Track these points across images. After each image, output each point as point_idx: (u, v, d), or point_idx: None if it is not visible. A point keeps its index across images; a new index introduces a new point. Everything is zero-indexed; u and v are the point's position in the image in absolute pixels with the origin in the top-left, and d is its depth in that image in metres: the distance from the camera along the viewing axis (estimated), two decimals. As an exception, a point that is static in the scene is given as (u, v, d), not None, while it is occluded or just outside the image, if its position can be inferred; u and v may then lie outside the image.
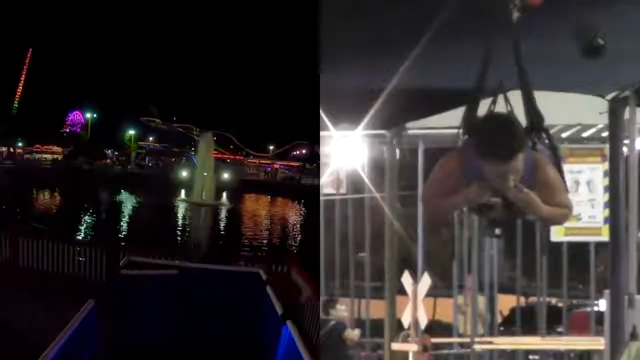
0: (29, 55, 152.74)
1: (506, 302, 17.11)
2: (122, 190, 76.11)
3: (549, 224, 8.24)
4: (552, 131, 12.34)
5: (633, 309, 9.83)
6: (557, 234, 15.05)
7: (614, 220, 9.75)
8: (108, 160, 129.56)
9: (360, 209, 17.26)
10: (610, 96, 9.61)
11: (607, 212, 12.86)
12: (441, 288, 17.04)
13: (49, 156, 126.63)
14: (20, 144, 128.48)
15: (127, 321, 9.14)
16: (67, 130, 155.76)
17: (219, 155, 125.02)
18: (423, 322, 12.92)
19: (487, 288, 16.15)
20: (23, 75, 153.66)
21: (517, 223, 13.66)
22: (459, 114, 11.35)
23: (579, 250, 15.45)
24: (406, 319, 13.07)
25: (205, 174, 76.03)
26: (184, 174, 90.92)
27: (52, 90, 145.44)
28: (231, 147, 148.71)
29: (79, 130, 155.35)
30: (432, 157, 14.85)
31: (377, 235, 15.05)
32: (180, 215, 59.00)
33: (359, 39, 7.18)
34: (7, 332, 11.93)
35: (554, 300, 17.02)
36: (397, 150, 13.71)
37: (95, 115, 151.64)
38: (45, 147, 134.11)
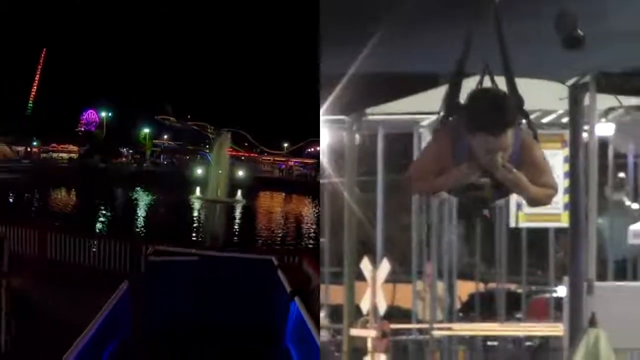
0: (43, 55, 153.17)
1: (465, 288, 16.98)
2: (138, 188, 77.52)
3: (535, 205, 7.60)
4: None
5: (592, 296, 9.90)
6: (516, 219, 14.97)
7: (574, 206, 9.80)
8: (123, 159, 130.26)
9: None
10: (570, 82, 9.75)
11: (567, 198, 12.77)
12: (400, 274, 16.57)
13: (65, 155, 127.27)
14: (34, 143, 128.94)
15: (154, 300, 10.24)
16: (82, 129, 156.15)
17: (234, 153, 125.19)
18: (382, 308, 12.91)
19: (446, 274, 15.96)
20: (37, 75, 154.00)
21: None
22: (418, 99, 11.79)
23: (538, 237, 15.33)
24: (365, 305, 13.05)
25: (220, 171, 76.86)
26: (199, 171, 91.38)
27: (66, 90, 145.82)
28: (246, 144, 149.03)
29: (93, 129, 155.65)
30: (392, 142, 15.20)
31: (337, 221, 14.85)
32: (195, 212, 60.13)
33: (331, 24, 7.33)
34: (43, 319, 12.44)
35: (513, 287, 16.95)
36: (357, 136, 13.78)
37: (109, 114, 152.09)
38: (61, 146, 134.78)
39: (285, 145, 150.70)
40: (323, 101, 10.82)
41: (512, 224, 14.95)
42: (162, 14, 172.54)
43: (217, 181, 74.33)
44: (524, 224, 14.95)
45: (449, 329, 15.46)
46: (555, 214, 14.41)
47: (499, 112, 5.41)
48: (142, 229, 44.17)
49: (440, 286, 15.89)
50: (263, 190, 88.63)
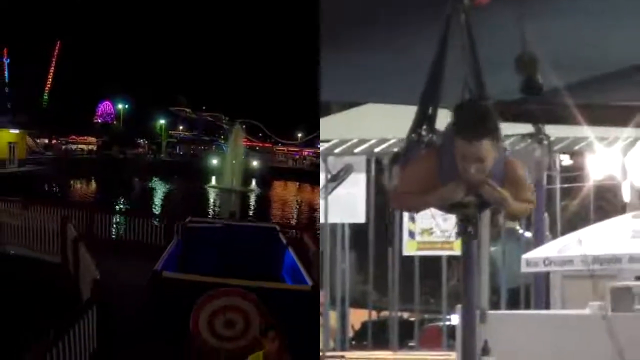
0: (57, 47, 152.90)
1: (358, 317, 16.75)
2: (156, 178, 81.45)
3: (515, 219, 8.33)
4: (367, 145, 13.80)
5: (485, 324, 10.09)
6: (409, 248, 14.99)
7: None
8: (140, 150, 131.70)
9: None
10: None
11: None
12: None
13: (84, 147, 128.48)
14: (52, 135, 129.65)
15: (191, 255, 14.00)
16: (99, 120, 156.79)
17: (248, 143, 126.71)
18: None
19: (338, 302, 15.87)
20: (52, 68, 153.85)
21: (369, 237, 14.70)
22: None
23: (431, 265, 15.29)
24: (256, 329, 13.24)
25: (234, 161, 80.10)
26: (214, 161, 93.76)
27: (82, 82, 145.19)
28: (260, 135, 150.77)
29: (110, 120, 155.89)
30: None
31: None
32: (211, 199, 63.73)
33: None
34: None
35: (406, 315, 16.74)
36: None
37: (125, 106, 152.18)
38: (80, 138, 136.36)
39: (299, 135, 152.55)
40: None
41: (405, 252, 15.11)
42: (178, 6, 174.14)
43: (232, 171, 77.24)
44: (417, 252, 15.09)
45: (342, 357, 15.45)
46: (448, 241, 14.63)
47: (476, 121, 5.63)
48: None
49: (333, 315, 15.95)
50: (277, 179, 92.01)
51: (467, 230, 6.23)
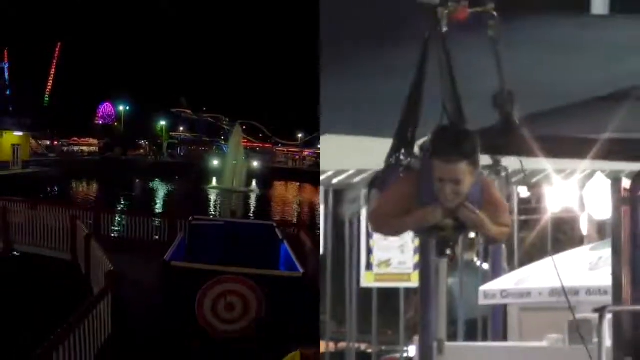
0: (58, 49, 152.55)
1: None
2: (159, 179, 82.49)
3: (493, 242, 8.05)
4: (363, 176, 14.13)
5: (442, 356, 10.31)
6: (367, 279, 14.92)
7: (424, 266, 9.93)
8: (141, 151, 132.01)
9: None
10: (421, 141, 10.00)
11: (417, 257, 13.10)
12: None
13: (86, 148, 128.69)
14: (54, 137, 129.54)
15: (196, 247, 15.38)
16: (100, 122, 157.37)
17: (249, 144, 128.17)
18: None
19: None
20: (53, 69, 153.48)
21: (327, 268, 14.64)
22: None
23: (389, 296, 15.23)
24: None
25: (235, 162, 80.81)
26: (215, 162, 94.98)
27: (83, 83, 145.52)
28: (260, 135, 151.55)
29: (110, 122, 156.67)
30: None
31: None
32: (212, 200, 64.90)
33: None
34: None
35: (363, 346, 16.67)
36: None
37: (126, 108, 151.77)
38: (82, 139, 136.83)
39: (300, 136, 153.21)
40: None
41: (363, 284, 15.08)
42: (178, 7, 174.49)
43: (233, 171, 78.22)
44: (374, 284, 15.06)
45: (299, 388, 15.86)
46: (405, 273, 14.76)
47: (453, 143, 5.69)
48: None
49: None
50: (277, 180, 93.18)
51: (445, 252, 6.15)
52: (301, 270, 13.39)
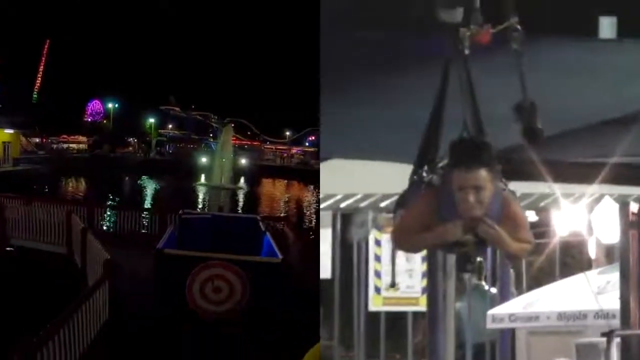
0: (46, 46, 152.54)
1: None
2: (148, 176, 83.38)
3: (514, 259, 8.31)
4: (370, 200, 13.82)
5: None
6: (375, 303, 14.79)
7: (432, 290, 9.72)
8: (130, 148, 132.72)
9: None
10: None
11: (424, 281, 12.85)
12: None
13: (75, 145, 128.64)
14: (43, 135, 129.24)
15: (186, 238, 16.73)
16: (89, 119, 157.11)
17: (237, 142, 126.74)
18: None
19: None
20: (42, 67, 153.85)
21: (335, 292, 14.46)
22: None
23: (396, 320, 15.11)
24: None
25: (224, 159, 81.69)
26: (204, 159, 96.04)
27: (71, 81, 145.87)
28: (249, 133, 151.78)
29: (99, 119, 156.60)
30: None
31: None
32: (201, 196, 66.24)
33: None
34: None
35: None
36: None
37: (115, 105, 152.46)
38: (71, 137, 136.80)
39: (287, 134, 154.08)
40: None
41: (371, 308, 14.90)
42: (166, 5, 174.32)
43: (221, 169, 79.25)
44: (382, 308, 14.92)
45: (308, 413, 15.71)
46: (413, 297, 14.63)
47: (472, 150, 5.89)
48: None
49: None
50: (265, 177, 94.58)
51: (466, 268, 6.35)
52: (280, 257, 14.86)
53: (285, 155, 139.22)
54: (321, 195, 15.23)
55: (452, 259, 9.28)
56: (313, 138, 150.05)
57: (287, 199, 70.60)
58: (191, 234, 16.83)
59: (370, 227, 13.92)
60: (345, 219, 14.23)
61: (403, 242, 6.55)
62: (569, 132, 10.41)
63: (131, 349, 12.72)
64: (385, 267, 14.32)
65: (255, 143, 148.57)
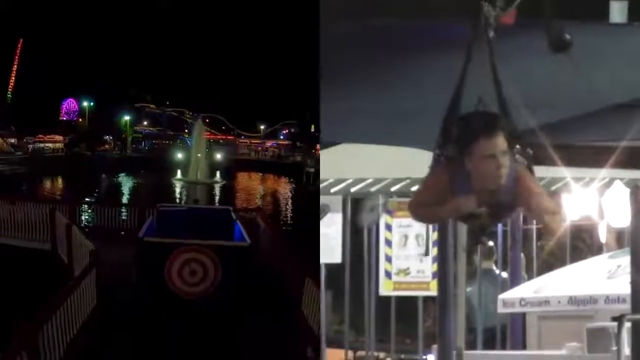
0: (19, 45, 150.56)
1: (334, 356, 16.06)
2: (125, 173, 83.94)
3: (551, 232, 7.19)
4: (381, 185, 13.95)
5: None
6: (385, 288, 14.71)
7: (442, 274, 9.58)
8: (106, 146, 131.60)
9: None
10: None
11: (435, 266, 12.69)
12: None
13: (51, 145, 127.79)
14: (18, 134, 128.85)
15: (164, 227, 18.22)
16: (64, 118, 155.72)
17: (212, 137, 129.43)
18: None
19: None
20: (15, 66, 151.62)
21: (346, 276, 14.59)
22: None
23: (407, 305, 15.00)
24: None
25: (199, 155, 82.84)
26: (179, 155, 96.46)
27: (45, 80, 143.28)
28: (223, 128, 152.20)
29: (74, 118, 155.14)
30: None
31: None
32: (177, 191, 67.47)
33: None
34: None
35: (382, 355, 16.24)
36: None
37: (90, 103, 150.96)
38: (47, 136, 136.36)
39: (262, 127, 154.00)
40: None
41: (382, 292, 14.85)
42: (139, 2, 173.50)
43: (197, 164, 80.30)
44: (392, 292, 14.81)
45: (319, 397, 14.85)
46: (424, 282, 14.49)
47: (488, 118, 6.07)
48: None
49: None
50: (241, 171, 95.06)
51: (481, 240, 6.51)
52: (248, 241, 16.66)
53: (259, 148, 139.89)
54: (322, 180, 14.60)
55: (463, 242, 9.54)
56: (287, 131, 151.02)
57: (260, 192, 72.21)
58: (168, 223, 18.27)
59: (380, 211, 14.14)
60: (356, 204, 14.48)
61: (419, 214, 6.74)
62: (580, 116, 10.37)
63: (118, 331, 13.96)
64: (395, 252, 14.60)
65: (230, 137, 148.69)
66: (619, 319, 8.58)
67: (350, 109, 10.52)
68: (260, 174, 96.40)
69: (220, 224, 18.24)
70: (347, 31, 10.51)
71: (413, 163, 9.72)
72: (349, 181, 14.29)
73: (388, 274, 14.57)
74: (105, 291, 15.30)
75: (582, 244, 14.72)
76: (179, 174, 77.36)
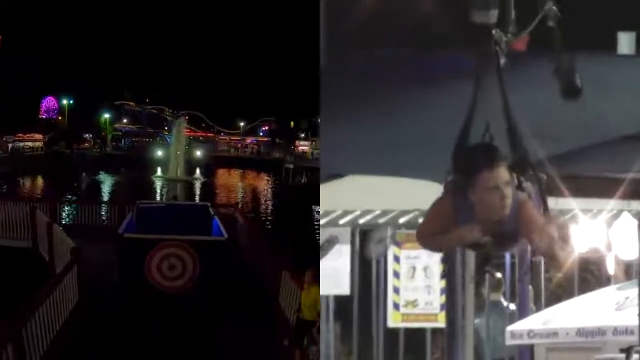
0: None
1: None
2: (105, 171, 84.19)
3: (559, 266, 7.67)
4: (389, 217, 13.75)
5: None
6: (393, 319, 14.65)
7: (451, 306, 9.63)
8: (86, 144, 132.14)
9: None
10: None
11: (443, 298, 12.76)
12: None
13: (31, 143, 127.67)
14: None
15: (143, 223, 18.37)
16: (43, 117, 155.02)
17: (192, 134, 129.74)
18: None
19: None
20: None
21: (354, 308, 14.47)
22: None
23: (415, 336, 14.83)
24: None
25: (179, 152, 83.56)
26: (159, 153, 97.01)
27: (24, 78, 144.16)
28: (203, 125, 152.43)
29: (54, 116, 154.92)
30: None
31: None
32: (158, 188, 67.81)
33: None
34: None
35: None
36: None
37: (70, 101, 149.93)
38: (27, 135, 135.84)
39: (241, 124, 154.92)
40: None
41: (390, 324, 14.74)
42: (117, 1, 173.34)
43: (177, 161, 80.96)
44: (401, 324, 14.74)
45: None
46: (432, 314, 14.42)
47: (490, 151, 6.19)
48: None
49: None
50: (221, 168, 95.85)
51: (485, 269, 6.77)
52: (225, 236, 17.15)
53: (239, 145, 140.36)
54: (328, 211, 14.37)
55: (470, 275, 9.55)
56: (267, 128, 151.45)
57: (239, 188, 72.67)
58: (148, 220, 18.51)
59: (388, 243, 14.09)
60: (364, 236, 14.24)
61: (425, 242, 6.86)
62: (587, 147, 10.31)
63: (101, 327, 14.25)
64: (403, 283, 14.44)
65: (209, 135, 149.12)
66: (627, 350, 8.72)
67: (352, 140, 10.55)
68: (240, 171, 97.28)
69: (198, 219, 18.59)
70: (351, 61, 10.58)
71: (421, 194, 9.65)
72: (357, 213, 14.22)
73: (396, 306, 14.47)
74: (86, 287, 15.58)
75: (590, 275, 14.38)
76: (159, 171, 77.60)
